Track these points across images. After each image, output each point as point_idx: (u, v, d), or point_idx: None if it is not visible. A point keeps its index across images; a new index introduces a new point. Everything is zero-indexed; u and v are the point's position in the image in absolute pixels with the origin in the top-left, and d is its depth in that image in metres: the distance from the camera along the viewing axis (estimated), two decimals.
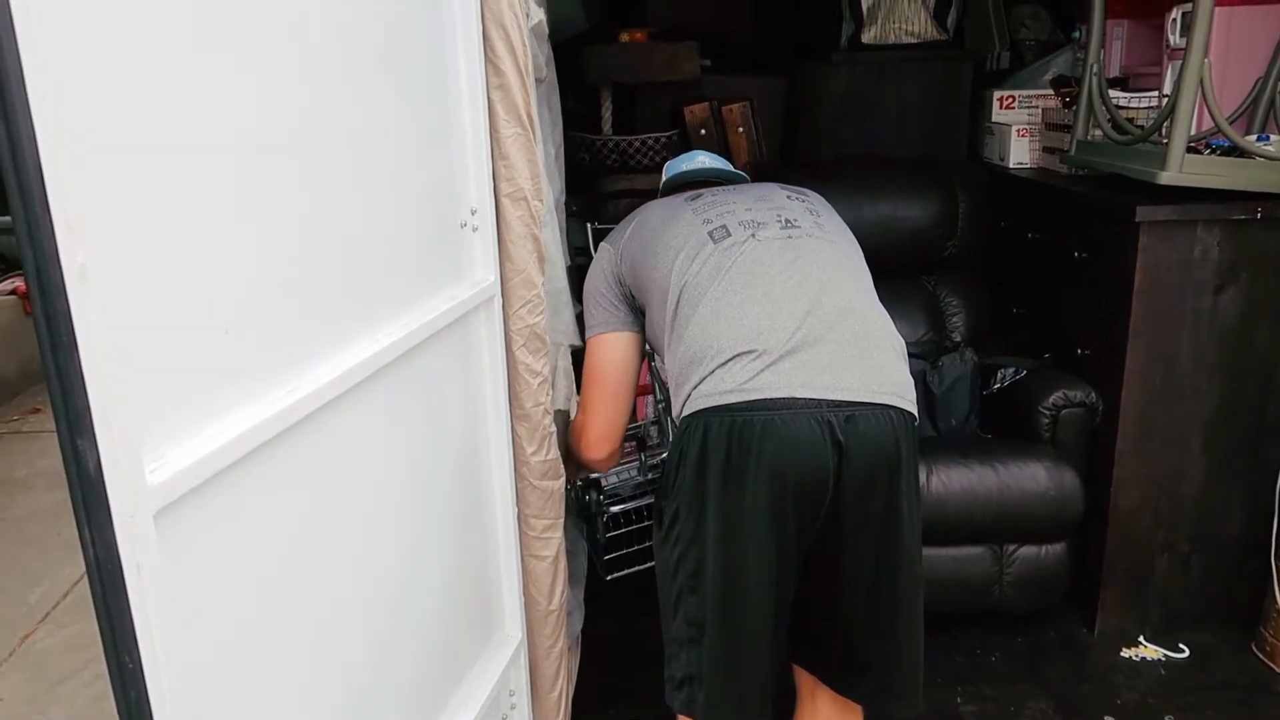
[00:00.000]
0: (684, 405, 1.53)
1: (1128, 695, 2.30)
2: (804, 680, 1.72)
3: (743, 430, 1.44)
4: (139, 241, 0.84)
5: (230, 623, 0.99)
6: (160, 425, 0.87)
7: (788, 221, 1.65)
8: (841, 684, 1.64)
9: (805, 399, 1.44)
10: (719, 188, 1.81)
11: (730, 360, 1.48)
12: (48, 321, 0.75)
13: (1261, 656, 2.40)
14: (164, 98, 0.87)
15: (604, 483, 2.60)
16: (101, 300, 0.78)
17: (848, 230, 1.75)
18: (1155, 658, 2.44)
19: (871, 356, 1.50)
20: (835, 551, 1.50)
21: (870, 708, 1.68)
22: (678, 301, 1.59)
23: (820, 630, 1.60)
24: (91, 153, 0.77)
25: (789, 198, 1.73)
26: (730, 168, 1.97)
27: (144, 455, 0.84)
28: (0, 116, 0.70)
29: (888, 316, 1.60)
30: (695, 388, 1.51)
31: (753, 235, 1.60)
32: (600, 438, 1.77)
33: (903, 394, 1.51)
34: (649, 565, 2.57)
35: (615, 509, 2.61)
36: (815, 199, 1.78)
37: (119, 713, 0.83)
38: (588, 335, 1.80)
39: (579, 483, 2.45)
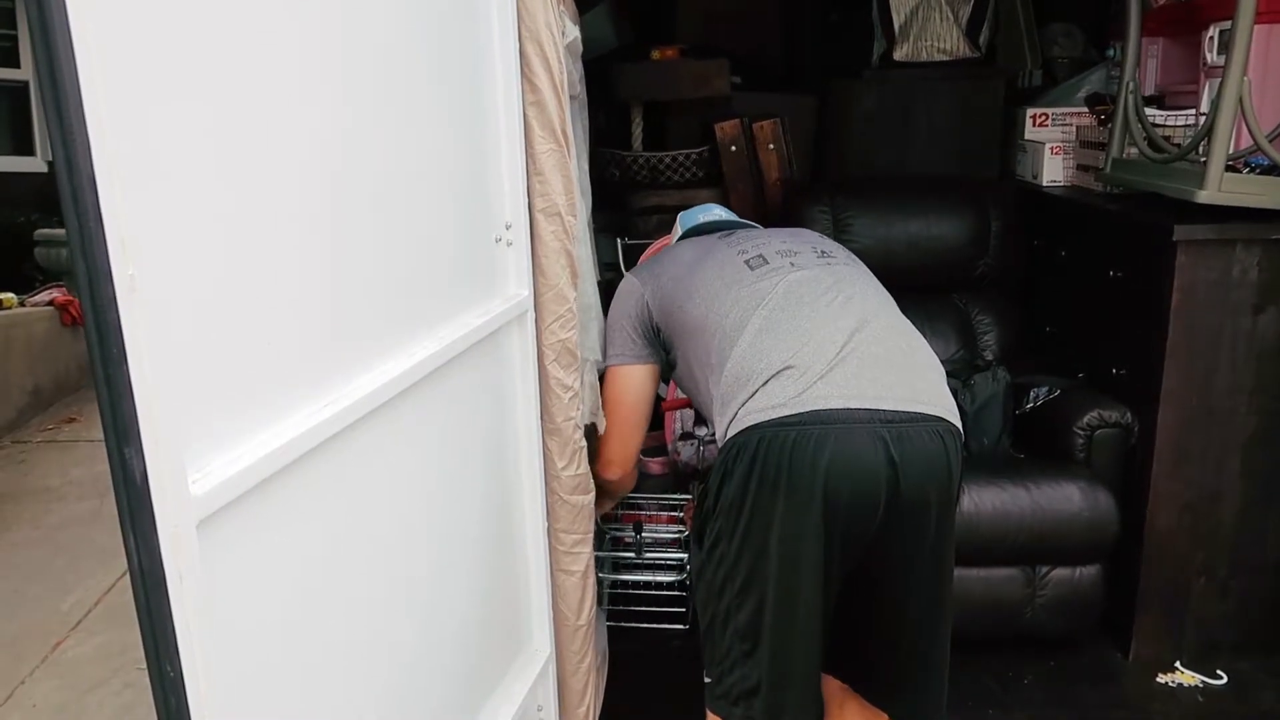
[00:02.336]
0: (730, 425, 1.51)
1: None
2: (832, 689, 1.70)
3: (797, 443, 1.41)
4: (187, 256, 0.85)
5: (267, 633, 1.00)
6: (204, 436, 0.89)
7: (823, 253, 1.70)
8: (879, 699, 1.63)
9: (859, 409, 1.43)
10: (745, 231, 1.85)
11: (779, 374, 1.47)
12: (99, 333, 0.76)
13: None
14: (213, 117, 0.89)
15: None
16: (150, 313, 0.79)
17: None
18: (1192, 684, 2.39)
19: (918, 371, 1.51)
20: (888, 569, 1.50)
21: (898, 715, 1.67)
22: (718, 329, 1.59)
23: (867, 645, 1.60)
24: (144, 170, 0.79)
25: (819, 236, 1.81)
26: (743, 221, 2.02)
27: (187, 466, 0.85)
28: (58, 135, 0.72)
29: (922, 337, 1.62)
30: (743, 405, 1.49)
31: (791, 264, 1.63)
32: (613, 461, 1.95)
33: (950, 408, 1.51)
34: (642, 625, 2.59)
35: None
36: (841, 248, 1.81)
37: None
38: (607, 362, 1.86)
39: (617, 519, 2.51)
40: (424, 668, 1.38)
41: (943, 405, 1.49)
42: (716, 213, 2.03)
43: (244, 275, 0.94)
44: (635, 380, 1.84)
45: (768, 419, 1.45)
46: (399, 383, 1.22)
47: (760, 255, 1.66)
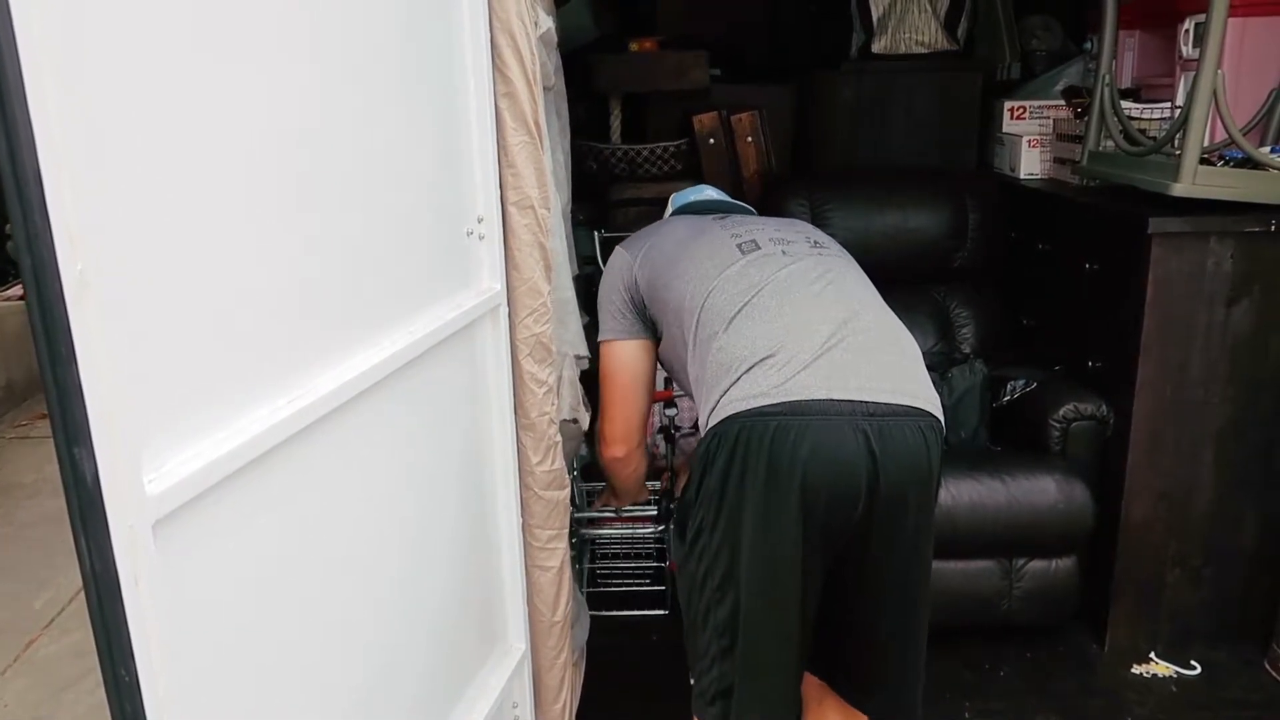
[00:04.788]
0: (712, 413, 1.48)
1: (1138, 712, 2.27)
2: (811, 687, 1.70)
3: (778, 434, 1.39)
4: (141, 250, 0.83)
5: (230, 635, 0.98)
6: (160, 434, 0.87)
7: (815, 243, 1.68)
8: (857, 695, 1.63)
9: (840, 400, 1.41)
10: (739, 215, 1.82)
11: (762, 362, 1.45)
12: (46, 332, 0.74)
13: (1274, 673, 2.37)
14: (166, 104, 0.86)
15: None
16: (101, 310, 0.77)
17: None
18: (1166, 674, 2.41)
19: (903, 365, 1.50)
20: (866, 565, 1.49)
21: (873, 714, 1.67)
22: (701, 310, 1.57)
23: (843, 642, 1.59)
24: (92, 160, 0.77)
25: (812, 227, 1.79)
26: (737, 203, 1.98)
27: (143, 465, 0.83)
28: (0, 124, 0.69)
29: (913, 339, 1.61)
30: (725, 393, 1.46)
31: (783, 251, 1.61)
32: (614, 436, 1.80)
33: (933, 401, 1.50)
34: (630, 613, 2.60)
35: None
36: (825, 236, 1.80)
37: None
38: (599, 339, 1.80)
39: (654, 497, 2.49)
40: (395, 666, 1.36)
41: (927, 399, 1.48)
42: (709, 193, 1.99)
43: (202, 269, 0.92)
44: (626, 355, 1.77)
45: (749, 408, 1.42)
46: (367, 378, 1.20)
47: (753, 240, 1.63)
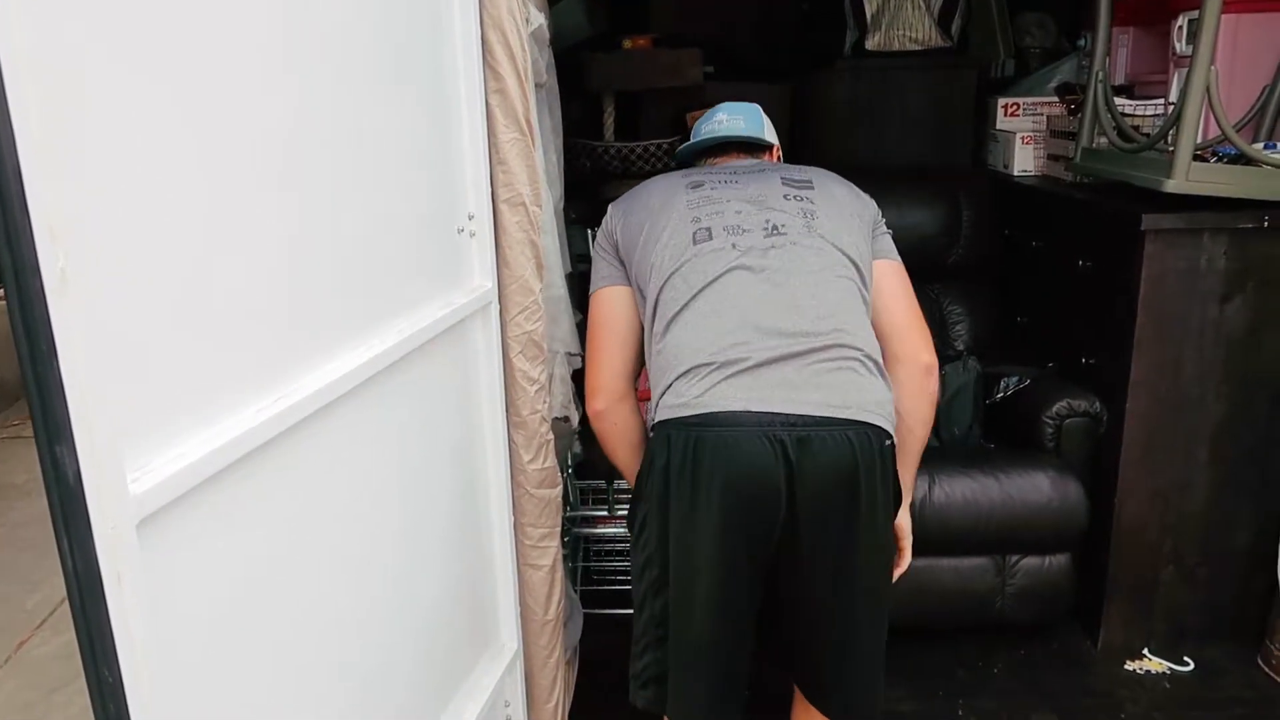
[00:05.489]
0: (654, 412, 1.55)
1: (1132, 709, 2.27)
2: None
3: (696, 445, 1.45)
4: (122, 246, 0.82)
5: (217, 635, 0.97)
6: (144, 433, 0.86)
7: (774, 229, 1.59)
8: (813, 697, 1.64)
9: (758, 413, 1.44)
10: (724, 172, 1.73)
11: (689, 372, 1.50)
12: (27, 329, 0.74)
13: (1268, 670, 2.37)
14: (149, 100, 0.86)
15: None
16: (82, 306, 0.76)
17: (851, 226, 1.65)
18: (1160, 671, 2.41)
19: (837, 374, 1.49)
20: (795, 570, 1.52)
21: (829, 716, 1.67)
22: (656, 305, 1.59)
23: (792, 644, 1.62)
24: (74, 156, 0.76)
25: (785, 197, 1.65)
26: (745, 128, 1.84)
27: (126, 464, 0.83)
28: None
29: (867, 328, 1.57)
30: (661, 397, 1.53)
31: (733, 245, 1.58)
32: (593, 387, 1.69)
33: (871, 409, 1.48)
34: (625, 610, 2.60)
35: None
36: (821, 192, 1.68)
37: None
38: (590, 291, 1.76)
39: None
40: (386, 666, 1.36)
41: (862, 408, 1.47)
42: (719, 118, 1.85)
43: (187, 266, 0.91)
44: (608, 301, 1.70)
45: (675, 416, 1.49)
46: (356, 376, 1.19)
47: (708, 229, 1.60)
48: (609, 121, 3.41)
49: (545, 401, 1.76)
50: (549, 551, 1.81)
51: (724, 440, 1.44)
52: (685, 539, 1.49)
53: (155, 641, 0.85)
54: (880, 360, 1.56)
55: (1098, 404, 2.43)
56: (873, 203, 1.76)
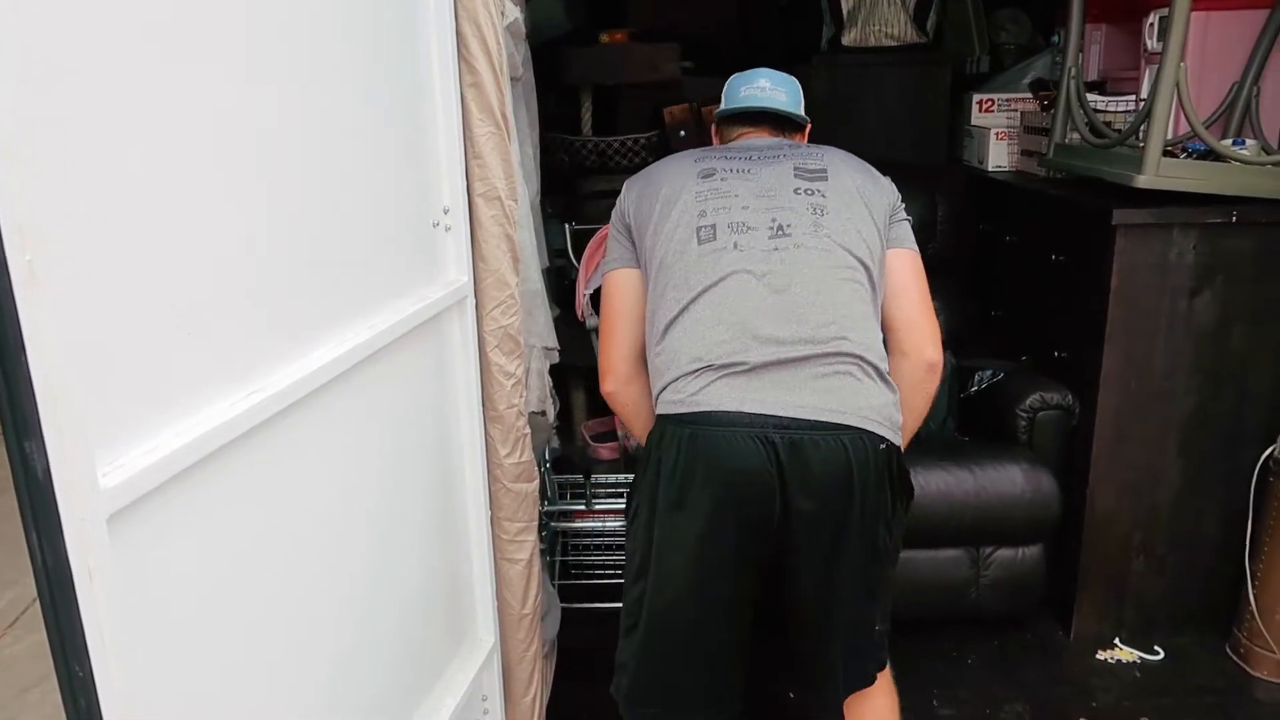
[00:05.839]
0: (655, 407, 1.58)
1: (1103, 698, 2.31)
2: None
3: (689, 443, 1.47)
4: (91, 240, 0.82)
5: (190, 630, 0.97)
6: (115, 427, 0.85)
7: (780, 229, 1.57)
8: (806, 684, 1.68)
9: (752, 414, 1.45)
10: (740, 157, 1.70)
11: (687, 371, 1.51)
12: None
13: (1235, 659, 2.41)
14: (118, 93, 0.85)
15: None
16: (51, 300, 0.76)
17: (863, 217, 1.62)
18: (1131, 660, 2.44)
19: (832, 377, 1.49)
20: (788, 572, 1.54)
21: (814, 705, 1.71)
22: (658, 300, 1.60)
23: (791, 636, 1.64)
24: (42, 149, 0.75)
25: (797, 191, 1.62)
26: (785, 103, 1.82)
27: (96, 458, 0.82)
28: None
29: (871, 331, 1.56)
30: (660, 393, 1.55)
31: (735, 244, 1.57)
32: (604, 368, 1.72)
33: (869, 415, 1.48)
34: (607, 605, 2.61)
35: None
36: (834, 184, 1.64)
37: None
38: (604, 271, 1.77)
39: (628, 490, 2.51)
40: (361, 661, 1.35)
41: (858, 414, 1.48)
42: (760, 84, 1.81)
43: (157, 260, 0.90)
44: (619, 283, 1.71)
45: (671, 413, 1.51)
46: (330, 370, 1.19)
47: (713, 226, 1.59)
48: (587, 116, 3.41)
49: (522, 396, 1.76)
50: (526, 545, 1.82)
51: (716, 439, 1.46)
52: (671, 534, 1.50)
53: (126, 636, 0.85)
54: (883, 365, 1.55)
55: (1070, 397, 2.45)
56: (892, 188, 1.73)
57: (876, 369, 1.53)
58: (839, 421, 1.46)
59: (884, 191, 1.70)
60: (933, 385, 1.66)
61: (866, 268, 1.58)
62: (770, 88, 1.81)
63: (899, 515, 1.57)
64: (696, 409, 1.48)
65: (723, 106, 1.85)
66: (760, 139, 1.79)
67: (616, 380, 1.71)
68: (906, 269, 1.67)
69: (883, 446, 1.49)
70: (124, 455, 0.86)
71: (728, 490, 1.46)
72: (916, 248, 1.70)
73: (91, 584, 0.81)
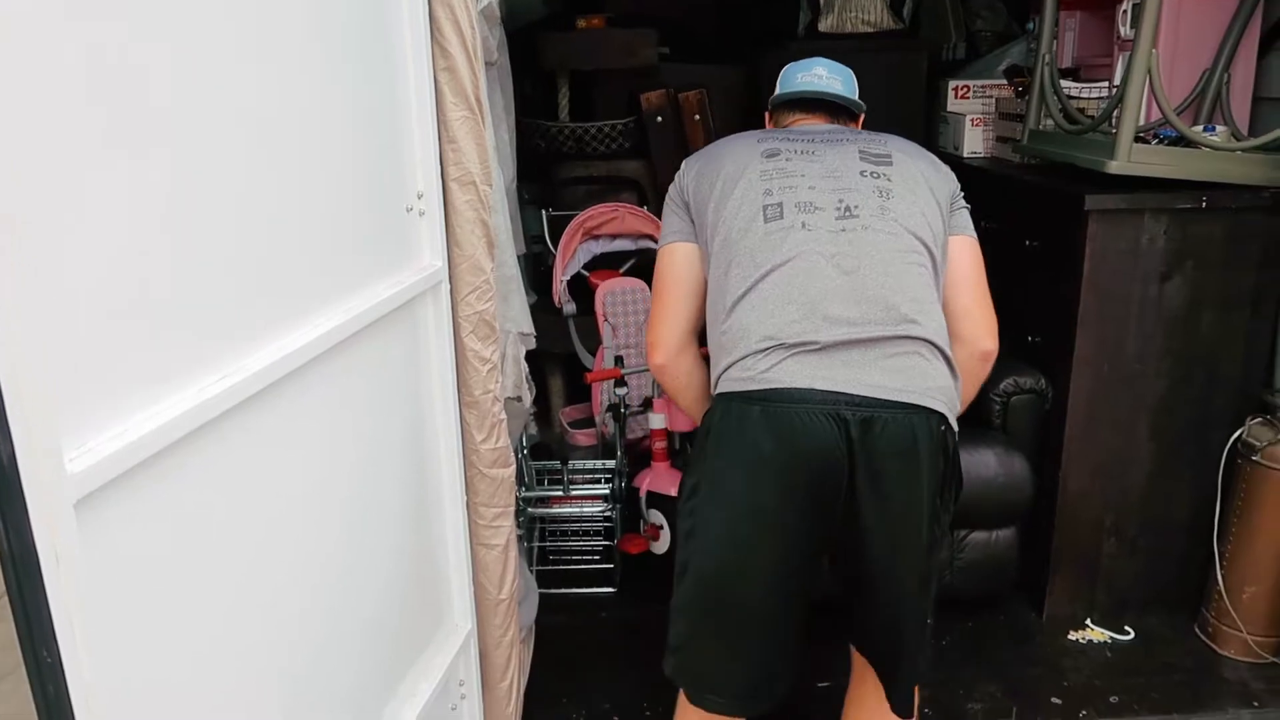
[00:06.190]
0: (716, 385, 1.56)
1: (1074, 678, 2.34)
2: (857, 657, 1.73)
3: (758, 420, 1.46)
4: (56, 221, 0.81)
5: (160, 616, 0.96)
6: (82, 412, 0.85)
7: (847, 210, 1.58)
8: (880, 670, 1.65)
9: (824, 391, 1.45)
10: (803, 139, 1.70)
11: (757, 349, 1.50)
12: None
13: (1203, 638, 2.45)
14: (80, 72, 0.84)
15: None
16: (13, 280, 0.75)
17: (927, 201, 1.63)
18: (1102, 640, 2.48)
19: (901, 358, 1.50)
20: (855, 547, 1.52)
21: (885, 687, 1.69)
22: (722, 278, 1.59)
23: (857, 617, 1.63)
24: (1, 126, 0.74)
25: (862, 174, 1.63)
26: (842, 89, 1.83)
27: (63, 443, 0.81)
28: None
29: (938, 316, 1.57)
30: (725, 371, 1.53)
31: (803, 224, 1.57)
32: (653, 341, 1.72)
33: (934, 396, 1.50)
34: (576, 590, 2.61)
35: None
36: (899, 169, 1.66)
37: (37, 709, 0.81)
38: (659, 244, 1.77)
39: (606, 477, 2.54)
40: (335, 647, 1.35)
41: (925, 394, 1.49)
42: (817, 70, 1.82)
43: (126, 240, 0.89)
44: (674, 257, 1.71)
45: (738, 390, 1.50)
46: (302, 355, 1.18)
47: (780, 204, 1.58)
48: (563, 102, 3.40)
49: (498, 381, 1.76)
50: (502, 531, 1.82)
51: (788, 415, 1.45)
52: (739, 515, 1.49)
53: (95, 622, 0.84)
54: (949, 350, 1.56)
55: (1043, 381, 2.48)
56: (952, 176, 1.75)
57: (943, 353, 1.55)
58: (909, 401, 1.47)
59: (945, 179, 1.73)
60: (984, 373, 1.71)
61: (931, 253, 1.60)
62: (826, 75, 1.83)
63: (949, 503, 1.57)
64: (768, 386, 1.47)
65: (778, 93, 1.87)
66: (817, 125, 1.80)
67: (667, 353, 1.70)
68: (966, 257, 1.69)
69: (944, 429, 1.51)
70: (91, 440, 0.85)
71: (797, 466, 1.45)
72: (975, 235, 1.73)
73: (59, 570, 0.80)
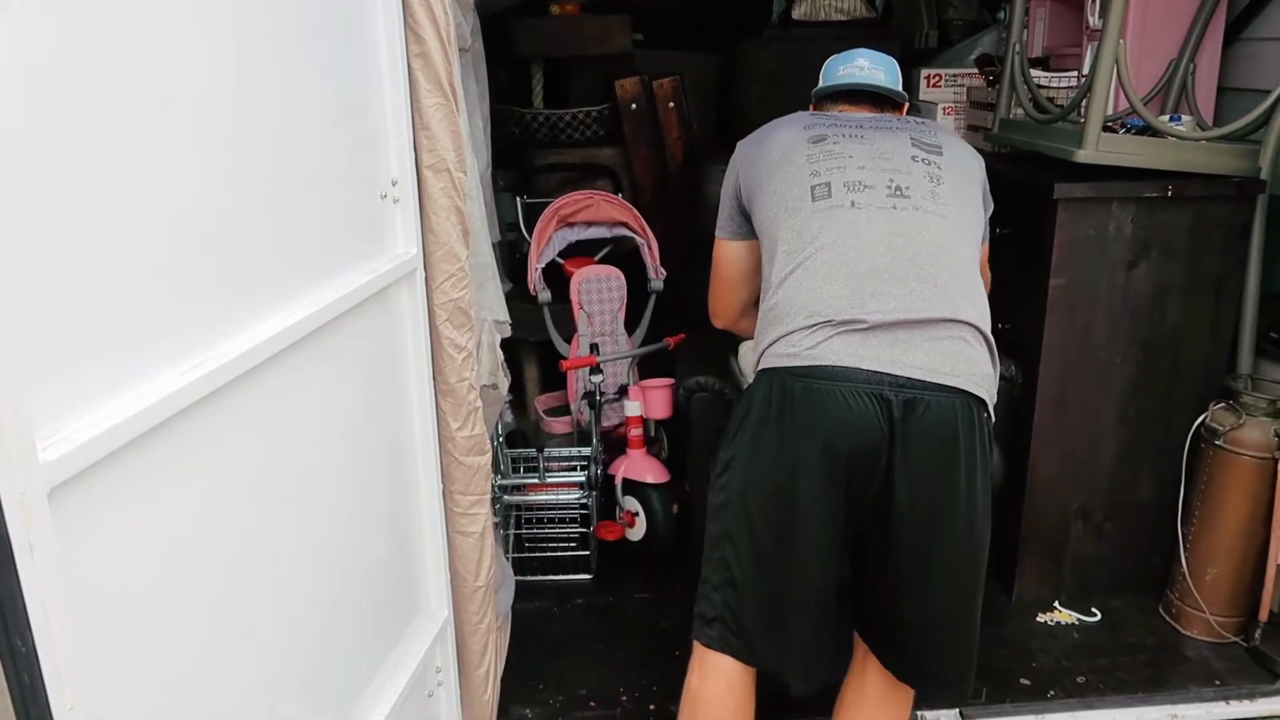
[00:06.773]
0: (759, 360, 1.58)
1: (1043, 659, 2.38)
2: (860, 645, 1.74)
3: (801, 396, 1.48)
4: (26, 205, 0.80)
5: (135, 604, 0.96)
6: (55, 399, 0.84)
7: (898, 190, 1.60)
8: (887, 660, 1.66)
9: (869, 371, 1.46)
10: (849, 125, 1.72)
11: (803, 326, 1.52)
12: None
13: (1168, 619, 2.50)
14: (53, 54, 0.83)
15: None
16: None
17: (973, 195, 1.69)
18: (1069, 622, 2.52)
19: (947, 341, 1.51)
20: (886, 530, 1.53)
21: (914, 687, 1.70)
22: (771, 255, 1.63)
23: (872, 604, 1.64)
24: None
25: (914, 159, 1.66)
26: (888, 81, 1.85)
27: (36, 431, 0.81)
28: None
29: (981, 301, 1.59)
30: (769, 346, 1.55)
31: (852, 203, 1.58)
32: (714, 312, 1.98)
33: (977, 382, 1.51)
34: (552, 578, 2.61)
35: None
36: (950, 158, 1.69)
37: (12, 698, 0.80)
38: (717, 235, 1.88)
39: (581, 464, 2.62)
40: (312, 633, 1.35)
41: (968, 378, 1.50)
42: (859, 63, 1.84)
43: (99, 226, 0.89)
44: (729, 253, 1.87)
45: (782, 365, 1.52)
46: (276, 342, 1.18)
47: (828, 184, 1.61)
48: (538, 89, 3.39)
49: (473, 369, 1.76)
50: (479, 518, 1.82)
51: (832, 393, 1.47)
52: (779, 489, 1.50)
53: (70, 611, 0.84)
54: (992, 338, 1.58)
55: (1014, 368, 2.50)
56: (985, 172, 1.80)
57: (986, 340, 1.57)
58: (952, 384, 1.48)
59: (983, 173, 1.78)
60: None
61: (976, 242, 1.65)
62: (869, 66, 1.85)
63: (987, 489, 1.56)
64: (813, 363, 1.48)
65: (821, 85, 1.89)
66: (866, 113, 1.82)
67: (727, 321, 1.97)
68: (985, 255, 1.78)
69: (985, 415, 1.52)
70: (65, 429, 0.85)
71: (838, 445, 1.47)
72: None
73: (33, 559, 0.80)
